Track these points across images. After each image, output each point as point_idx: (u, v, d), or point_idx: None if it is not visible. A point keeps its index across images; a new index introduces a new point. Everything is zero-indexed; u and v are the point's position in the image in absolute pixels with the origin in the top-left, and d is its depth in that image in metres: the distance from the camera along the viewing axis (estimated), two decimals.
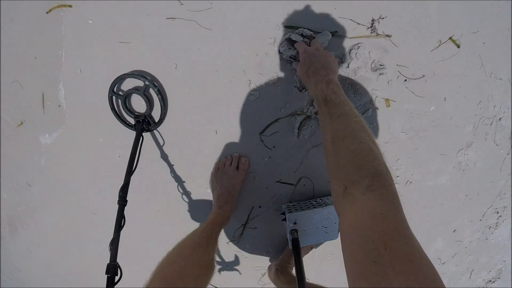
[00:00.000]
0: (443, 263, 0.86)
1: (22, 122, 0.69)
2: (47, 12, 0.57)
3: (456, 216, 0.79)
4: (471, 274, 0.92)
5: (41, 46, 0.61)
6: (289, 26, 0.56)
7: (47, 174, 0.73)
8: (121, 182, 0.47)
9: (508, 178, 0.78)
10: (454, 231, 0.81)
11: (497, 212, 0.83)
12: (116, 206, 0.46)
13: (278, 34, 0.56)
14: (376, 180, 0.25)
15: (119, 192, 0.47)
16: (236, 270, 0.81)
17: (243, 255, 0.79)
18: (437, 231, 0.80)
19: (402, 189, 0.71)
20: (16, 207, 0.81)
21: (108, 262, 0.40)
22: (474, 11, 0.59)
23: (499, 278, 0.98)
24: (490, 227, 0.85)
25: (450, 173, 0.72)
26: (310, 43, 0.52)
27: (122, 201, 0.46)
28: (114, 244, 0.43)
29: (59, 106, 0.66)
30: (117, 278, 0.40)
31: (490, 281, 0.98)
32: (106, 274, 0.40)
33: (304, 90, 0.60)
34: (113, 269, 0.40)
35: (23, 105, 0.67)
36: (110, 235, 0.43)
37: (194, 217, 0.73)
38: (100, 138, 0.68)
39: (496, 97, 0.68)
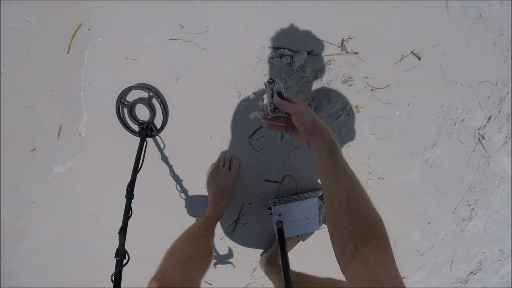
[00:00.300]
0: (422, 255, 0.94)
1: (34, 148, 0.76)
2: (68, 52, 0.67)
3: (429, 209, 0.88)
4: (451, 265, 1.00)
5: (59, 80, 0.69)
6: (272, 46, 0.67)
7: (52, 182, 0.80)
8: (124, 185, 0.55)
9: (476, 173, 0.88)
10: (428, 223, 0.90)
11: (469, 205, 0.91)
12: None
13: (264, 53, 0.67)
14: (383, 242, 0.31)
15: (127, 188, 0.56)
16: (230, 264, 0.88)
17: (235, 250, 0.87)
18: (412, 224, 0.89)
19: (375, 184, 0.81)
20: (17, 221, 0.85)
21: (113, 257, 0.46)
22: (434, 27, 0.70)
23: (480, 270, 1.05)
24: (464, 219, 0.93)
25: (418, 170, 0.81)
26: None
27: (130, 195, 0.55)
28: (123, 232, 0.51)
29: (80, 135, 0.74)
30: (125, 261, 0.48)
31: (472, 272, 1.05)
32: (115, 257, 0.46)
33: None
34: (121, 253, 0.48)
35: (36, 132, 0.74)
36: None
37: (190, 212, 0.81)
38: (105, 144, 0.78)
39: (458, 101, 0.78)
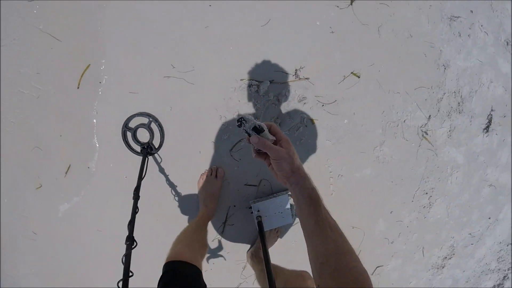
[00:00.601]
0: (391, 243, 1.08)
1: (41, 185, 0.89)
2: (78, 87, 0.87)
3: (388, 199, 1.04)
4: (423, 251, 1.12)
5: (70, 116, 0.84)
6: (243, 79, 0.91)
7: (61, 217, 0.91)
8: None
9: (427, 164, 1.06)
10: (391, 213, 1.05)
11: (426, 193, 1.08)
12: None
13: (237, 84, 0.90)
14: None
15: (134, 191, 0.73)
16: (223, 262, 1.02)
17: (225, 251, 1.01)
18: (375, 214, 1.05)
19: (336, 181, 0.99)
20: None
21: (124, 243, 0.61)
22: (369, 51, 0.93)
23: (453, 254, 1.17)
24: (424, 206, 1.09)
25: (372, 166, 1.00)
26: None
27: (136, 196, 0.72)
28: (131, 224, 0.67)
29: (88, 167, 0.88)
30: (133, 246, 0.64)
31: (446, 258, 1.17)
32: (125, 243, 0.59)
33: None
34: (131, 239, 0.63)
35: (43, 170, 0.88)
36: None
37: (184, 212, 0.98)
38: (111, 164, 0.97)
39: (397, 106, 1.00)
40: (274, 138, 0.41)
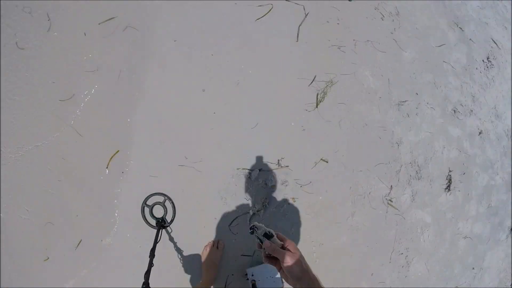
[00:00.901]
0: None
1: (48, 258, 0.97)
2: (107, 167, 1.21)
3: (367, 263, 1.23)
4: None
5: (90, 204, 1.14)
6: (238, 168, 1.24)
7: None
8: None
9: (397, 228, 1.28)
10: (372, 275, 1.22)
11: (402, 254, 1.26)
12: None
13: (234, 172, 1.23)
14: None
15: (150, 251, 0.93)
16: None
17: None
18: (358, 277, 1.22)
19: (318, 249, 1.21)
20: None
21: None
22: (333, 140, 1.28)
23: None
24: (403, 266, 1.26)
25: (347, 234, 1.23)
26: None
27: (152, 255, 0.88)
28: (147, 273, 0.86)
29: (101, 241, 1.06)
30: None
31: None
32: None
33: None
34: (147, 284, 0.81)
35: (53, 244, 1.00)
36: None
37: (188, 273, 1.16)
38: (128, 234, 1.22)
39: (361, 182, 1.29)
40: (282, 243, 0.48)
